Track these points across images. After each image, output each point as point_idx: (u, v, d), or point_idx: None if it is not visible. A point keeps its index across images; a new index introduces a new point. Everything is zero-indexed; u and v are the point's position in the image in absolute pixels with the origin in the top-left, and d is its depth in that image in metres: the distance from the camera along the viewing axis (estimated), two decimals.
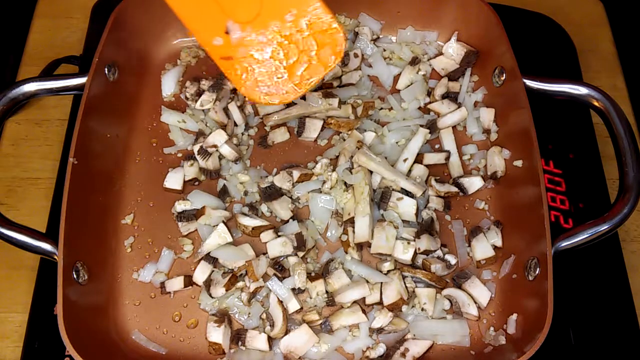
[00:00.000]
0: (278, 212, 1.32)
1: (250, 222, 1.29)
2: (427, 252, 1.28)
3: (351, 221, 1.30)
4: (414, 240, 1.28)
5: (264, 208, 1.34)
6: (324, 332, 1.23)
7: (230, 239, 1.28)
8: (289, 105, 1.42)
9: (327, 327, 1.23)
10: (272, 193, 1.33)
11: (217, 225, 1.28)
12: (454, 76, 1.50)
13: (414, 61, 1.50)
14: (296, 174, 1.34)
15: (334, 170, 1.36)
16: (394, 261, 1.29)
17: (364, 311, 1.24)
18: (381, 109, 1.46)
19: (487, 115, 1.43)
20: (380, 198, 1.33)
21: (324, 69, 1.16)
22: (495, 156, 1.39)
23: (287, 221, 1.32)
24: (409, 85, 1.49)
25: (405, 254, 1.26)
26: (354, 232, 1.28)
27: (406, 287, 1.26)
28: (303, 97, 1.40)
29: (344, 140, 1.41)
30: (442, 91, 1.47)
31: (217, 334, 1.20)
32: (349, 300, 1.25)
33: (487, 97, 1.47)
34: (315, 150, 1.42)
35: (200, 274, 1.26)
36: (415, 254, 1.27)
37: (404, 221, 1.31)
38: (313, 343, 1.21)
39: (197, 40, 1.14)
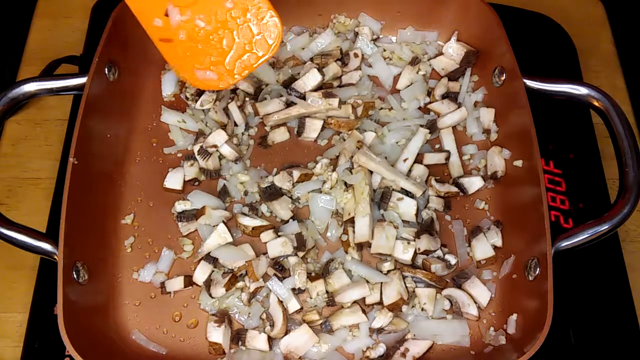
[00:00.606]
0: (278, 212, 1.32)
1: (250, 222, 1.29)
2: (427, 252, 1.28)
3: (351, 221, 1.30)
4: (414, 240, 1.28)
5: (264, 208, 1.34)
6: (324, 332, 1.23)
7: (230, 239, 1.28)
8: (289, 105, 1.42)
9: (327, 327, 1.23)
10: (272, 193, 1.33)
11: (217, 225, 1.28)
12: (454, 76, 1.50)
13: (414, 61, 1.50)
14: (296, 174, 1.34)
15: (334, 170, 1.36)
16: (394, 261, 1.28)
17: (364, 311, 1.24)
18: (381, 109, 1.46)
19: (487, 115, 1.43)
20: (381, 198, 1.33)
21: (258, 59, 1.16)
22: (495, 156, 1.39)
23: (287, 221, 1.32)
24: (409, 85, 1.49)
25: (405, 254, 1.26)
26: (354, 232, 1.28)
27: (406, 287, 1.26)
28: (303, 97, 1.40)
29: (344, 140, 1.41)
30: (442, 91, 1.47)
31: (217, 334, 1.20)
32: (349, 300, 1.25)
33: (487, 97, 1.47)
34: (315, 150, 1.42)
35: (200, 274, 1.26)
36: (415, 254, 1.27)
37: (404, 221, 1.31)
38: (313, 343, 1.21)
39: (138, 20, 1.16)
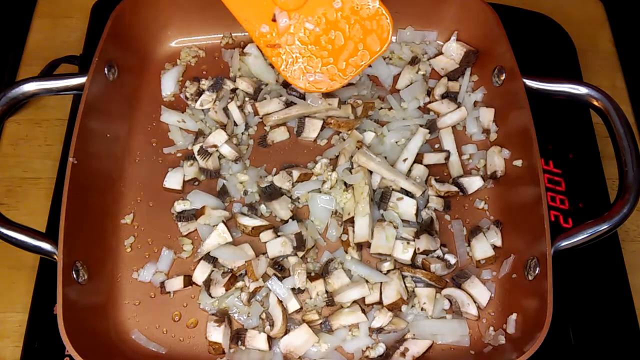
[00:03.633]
0: (278, 212, 1.32)
1: (249, 222, 1.29)
2: (426, 252, 1.28)
3: (351, 221, 1.30)
4: (414, 240, 1.28)
5: (263, 208, 1.35)
6: (323, 331, 1.23)
7: (230, 239, 1.28)
8: (289, 105, 1.42)
9: (327, 326, 1.23)
10: (271, 193, 1.33)
11: (216, 225, 1.28)
12: (453, 76, 1.50)
13: (414, 61, 1.50)
14: (296, 173, 1.34)
15: (333, 170, 1.36)
16: (394, 261, 1.29)
17: (363, 311, 1.24)
18: (381, 108, 1.46)
19: (487, 115, 1.43)
20: (380, 198, 1.33)
21: (370, 56, 1.16)
22: (495, 156, 1.39)
23: (287, 221, 1.32)
24: (408, 85, 1.49)
25: (404, 253, 1.26)
26: (353, 232, 1.28)
27: (406, 287, 1.26)
28: (303, 97, 1.40)
29: (344, 140, 1.41)
30: (441, 91, 1.47)
31: (217, 334, 1.20)
32: (349, 300, 1.25)
33: (487, 96, 1.47)
34: (315, 150, 1.42)
35: (200, 273, 1.26)
36: (415, 253, 1.27)
37: (403, 221, 1.31)
38: (313, 343, 1.21)
39: (244, 28, 1.15)
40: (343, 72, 1.17)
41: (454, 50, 1.49)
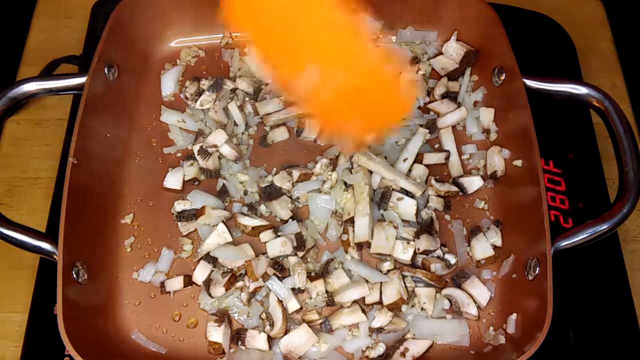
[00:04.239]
0: (277, 211, 1.32)
1: (249, 221, 1.29)
2: (426, 252, 1.28)
3: (351, 221, 1.30)
4: (414, 240, 1.28)
5: (263, 208, 1.34)
6: (324, 331, 1.23)
7: (230, 239, 1.28)
8: (289, 105, 1.42)
9: (327, 326, 1.23)
10: (271, 193, 1.33)
11: (216, 225, 1.28)
12: (453, 76, 1.50)
13: (414, 61, 1.50)
14: (296, 173, 1.34)
15: (333, 170, 1.36)
16: (394, 261, 1.28)
17: (363, 311, 1.24)
18: None
19: (487, 115, 1.43)
20: (380, 198, 1.33)
21: (396, 120, 1.20)
22: (495, 156, 1.39)
23: (287, 221, 1.31)
24: None
25: (404, 253, 1.26)
26: (353, 231, 1.28)
27: (406, 287, 1.26)
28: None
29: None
30: (441, 91, 1.47)
31: (217, 334, 1.20)
32: (349, 300, 1.25)
33: (487, 96, 1.47)
34: (315, 150, 1.42)
35: (200, 273, 1.26)
36: (415, 253, 1.27)
37: (403, 221, 1.31)
38: (313, 343, 1.21)
39: (274, 79, 1.18)
40: (365, 130, 1.20)
41: (454, 50, 1.49)
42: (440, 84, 1.48)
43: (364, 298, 1.25)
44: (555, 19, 1.65)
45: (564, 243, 1.19)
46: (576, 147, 1.49)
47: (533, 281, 1.20)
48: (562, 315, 1.26)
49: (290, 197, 1.35)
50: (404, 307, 1.25)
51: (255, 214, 1.33)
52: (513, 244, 1.30)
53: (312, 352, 1.22)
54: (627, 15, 1.79)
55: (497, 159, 1.39)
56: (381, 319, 1.23)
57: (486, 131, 1.44)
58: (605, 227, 1.18)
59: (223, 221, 1.30)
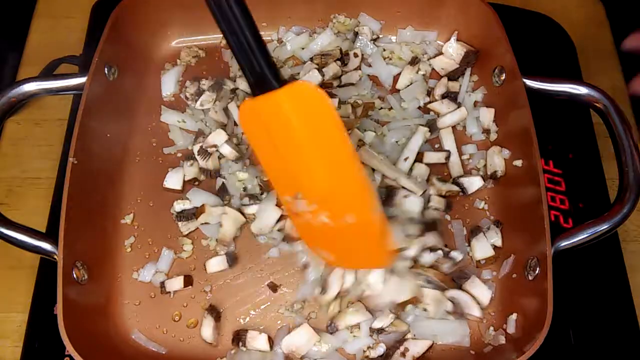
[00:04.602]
0: None
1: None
2: (432, 249, 1.27)
3: None
4: (418, 238, 1.28)
5: (264, 197, 1.34)
6: (328, 332, 1.23)
7: (244, 219, 1.29)
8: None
9: (334, 328, 1.23)
10: None
11: (219, 222, 1.29)
12: (453, 76, 1.50)
13: (414, 61, 1.50)
14: None
15: None
16: (411, 260, 1.28)
17: (367, 309, 1.24)
18: (381, 108, 1.46)
19: (487, 115, 1.43)
20: (386, 195, 1.32)
21: (370, 264, 1.19)
22: (495, 156, 1.39)
23: None
24: (408, 85, 1.49)
25: (410, 250, 1.25)
26: None
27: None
28: None
29: None
30: (441, 91, 1.47)
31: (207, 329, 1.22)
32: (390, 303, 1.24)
33: (487, 96, 1.47)
34: None
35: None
36: (420, 251, 1.27)
37: (408, 219, 1.31)
38: (314, 342, 1.21)
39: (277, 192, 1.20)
40: (343, 262, 1.20)
41: (454, 50, 1.49)
42: (440, 84, 1.48)
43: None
44: (555, 19, 1.65)
45: (564, 243, 1.18)
46: (576, 147, 1.49)
47: (533, 281, 1.20)
48: (562, 315, 1.26)
49: None
50: (408, 307, 1.24)
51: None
52: (513, 244, 1.30)
53: (313, 352, 1.22)
54: (627, 15, 1.78)
55: (497, 159, 1.39)
56: (383, 319, 1.23)
57: (486, 131, 1.44)
58: (605, 227, 1.18)
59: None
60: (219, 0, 0.98)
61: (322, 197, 1.09)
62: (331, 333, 1.23)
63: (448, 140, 1.43)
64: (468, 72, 1.49)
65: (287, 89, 1.01)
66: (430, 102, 1.47)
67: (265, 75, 1.02)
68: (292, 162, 1.08)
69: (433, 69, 1.52)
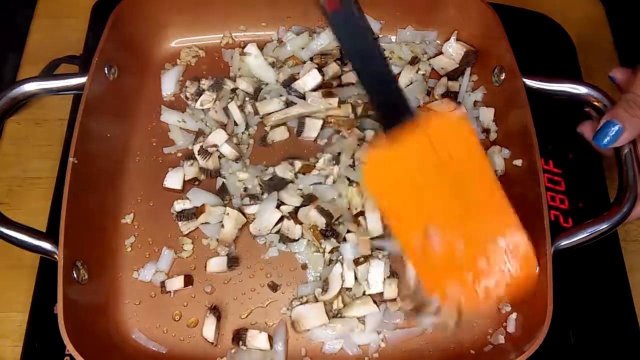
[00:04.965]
0: (287, 200, 1.31)
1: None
2: None
3: (360, 215, 1.29)
4: None
5: (265, 197, 1.34)
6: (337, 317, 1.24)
7: (245, 219, 1.29)
8: (289, 104, 1.42)
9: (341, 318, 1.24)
10: (276, 184, 1.33)
11: (219, 221, 1.29)
12: (453, 75, 1.50)
13: (414, 61, 1.50)
14: (298, 163, 1.34)
15: (337, 164, 1.35)
16: None
17: (375, 303, 1.24)
18: None
19: (487, 115, 1.43)
20: None
21: (514, 292, 1.13)
22: (495, 155, 1.39)
23: (300, 207, 1.31)
24: (408, 85, 1.49)
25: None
26: (364, 226, 1.28)
27: None
28: (303, 97, 1.41)
29: (345, 138, 1.41)
30: (441, 90, 1.47)
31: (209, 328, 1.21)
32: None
33: (487, 96, 1.47)
34: (315, 149, 1.42)
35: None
36: None
37: None
38: (322, 322, 1.21)
39: (396, 241, 1.14)
40: (476, 294, 1.13)
41: (454, 50, 1.49)
42: (440, 83, 1.48)
43: (381, 293, 1.24)
44: (555, 19, 1.65)
45: (564, 243, 1.18)
46: (576, 147, 1.49)
47: None
48: (562, 315, 1.26)
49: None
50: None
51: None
52: None
53: (322, 334, 1.22)
54: (627, 15, 1.79)
55: (497, 159, 1.39)
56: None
57: (486, 131, 1.44)
58: (605, 226, 1.18)
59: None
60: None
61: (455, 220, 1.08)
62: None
63: None
64: (468, 71, 1.49)
65: (437, 121, 1.05)
66: (430, 102, 1.47)
67: (399, 105, 1.04)
68: (435, 191, 1.08)
69: (433, 68, 1.52)
